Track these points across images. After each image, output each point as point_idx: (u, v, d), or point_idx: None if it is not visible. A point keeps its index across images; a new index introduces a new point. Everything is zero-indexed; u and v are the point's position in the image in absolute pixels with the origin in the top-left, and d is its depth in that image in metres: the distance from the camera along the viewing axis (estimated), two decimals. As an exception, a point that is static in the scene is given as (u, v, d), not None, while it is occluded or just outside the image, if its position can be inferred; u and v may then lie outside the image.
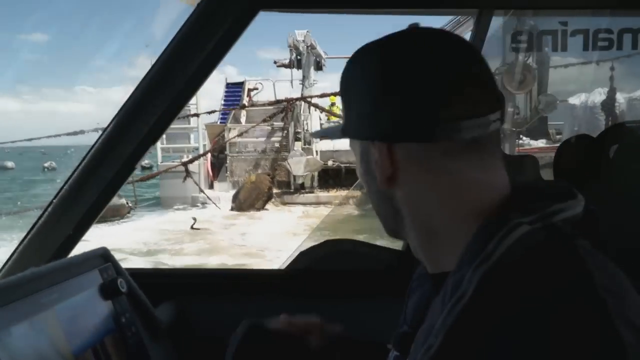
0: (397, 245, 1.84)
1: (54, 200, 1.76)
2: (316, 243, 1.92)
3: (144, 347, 1.55)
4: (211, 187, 18.60)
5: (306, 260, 1.89)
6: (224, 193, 17.73)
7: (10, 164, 45.39)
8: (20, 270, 1.73)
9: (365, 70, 0.85)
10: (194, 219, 15.03)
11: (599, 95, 10.62)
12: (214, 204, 16.19)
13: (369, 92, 0.83)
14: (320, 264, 1.90)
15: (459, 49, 0.83)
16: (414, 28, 0.89)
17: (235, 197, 17.44)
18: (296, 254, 1.90)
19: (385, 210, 0.89)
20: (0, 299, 1.15)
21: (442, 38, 0.84)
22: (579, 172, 1.76)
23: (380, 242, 1.85)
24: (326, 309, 1.81)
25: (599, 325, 0.63)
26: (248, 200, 17.17)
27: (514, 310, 0.65)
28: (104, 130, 1.69)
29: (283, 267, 1.91)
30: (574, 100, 10.82)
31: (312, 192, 18.18)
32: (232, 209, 17.22)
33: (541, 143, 11.39)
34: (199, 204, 17.98)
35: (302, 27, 18.91)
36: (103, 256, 1.57)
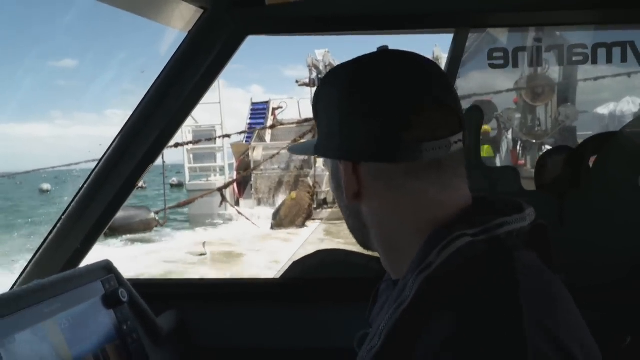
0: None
1: (62, 217, 1.88)
2: (308, 253, 2.01)
3: (145, 353, 1.64)
4: (237, 204, 18.78)
5: (299, 270, 1.96)
6: (248, 210, 17.86)
7: (46, 186, 46.44)
8: (31, 283, 1.87)
9: (334, 92, 0.88)
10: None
11: (627, 105, 10.44)
12: (253, 223, 16.19)
13: (336, 113, 0.87)
14: (313, 272, 1.98)
15: (424, 72, 0.86)
16: (382, 51, 0.93)
17: (275, 214, 17.53)
18: (289, 263, 1.98)
19: (354, 224, 0.95)
20: (5, 309, 1.25)
21: (408, 61, 0.87)
22: (560, 183, 1.82)
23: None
24: (319, 315, 1.90)
25: (509, 331, 0.68)
26: (289, 217, 17.25)
27: (443, 313, 0.71)
28: (105, 152, 1.81)
29: (277, 276, 2.00)
30: (603, 110, 10.65)
31: (335, 207, 18.21)
32: (272, 227, 17.31)
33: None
34: (220, 221, 18.30)
35: (322, 46, 19.20)
36: (106, 268, 1.67)
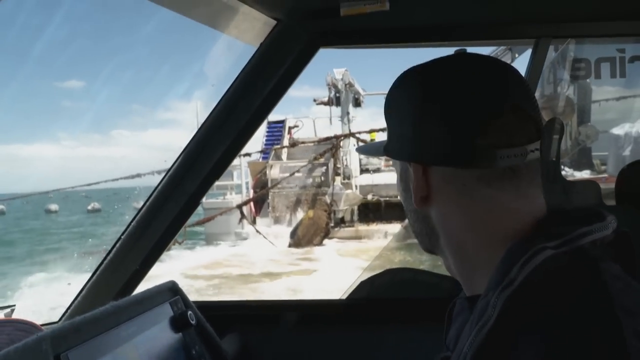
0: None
1: (122, 237, 1.82)
2: (376, 272, 1.94)
3: (213, 379, 1.58)
4: (254, 222, 18.77)
5: (367, 289, 1.89)
6: (265, 228, 17.82)
7: (54, 206, 47.08)
8: (90, 305, 1.81)
9: (407, 93, 0.87)
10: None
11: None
12: (270, 242, 16.18)
13: (409, 115, 0.85)
14: (381, 292, 1.91)
15: (502, 77, 0.83)
16: (460, 54, 0.90)
17: (293, 234, 17.50)
18: (357, 283, 1.91)
19: (421, 229, 0.91)
20: (86, 333, 1.19)
21: (486, 65, 0.85)
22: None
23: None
24: (387, 337, 1.82)
25: (610, 343, 0.64)
26: (307, 237, 17.24)
27: (533, 330, 0.67)
28: (169, 168, 1.76)
29: (344, 296, 1.93)
30: (618, 130, 10.55)
31: (352, 226, 18.20)
32: (290, 246, 17.24)
33: (585, 174, 11.04)
34: (238, 240, 18.27)
35: (334, 64, 19.43)
36: (172, 289, 1.62)
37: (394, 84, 0.91)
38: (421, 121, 0.83)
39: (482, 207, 0.82)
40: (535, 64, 1.64)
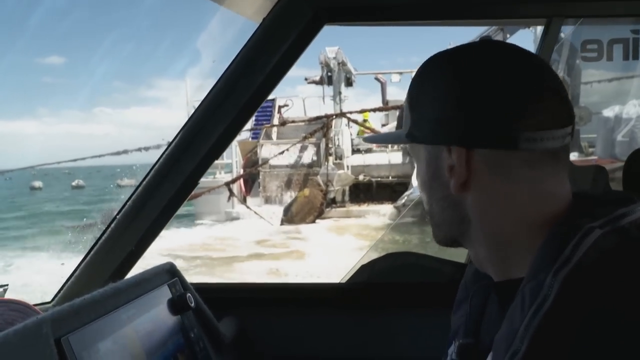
0: (460, 257, 1.82)
1: (117, 217, 1.78)
2: (378, 256, 1.91)
3: (211, 362, 1.55)
4: (244, 202, 18.71)
5: (367, 273, 1.87)
6: (256, 208, 17.76)
7: (38, 183, 47.06)
8: (84, 286, 1.77)
9: (444, 76, 0.86)
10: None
11: (633, 107, 10.33)
12: (267, 221, 16.16)
13: (447, 97, 0.83)
14: (382, 276, 1.88)
15: (537, 62, 0.85)
16: (487, 40, 0.90)
17: (287, 210, 17.44)
18: (357, 267, 1.88)
19: (451, 217, 0.89)
20: (86, 315, 1.16)
21: (518, 51, 0.86)
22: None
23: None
24: (387, 321, 1.80)
25: None
26: (300, 214, 17.19)
27: (600, 307, 0.67)
28: (167, 147, 1.71)
29: (344, 280, 1.90)
30: (608, 112, 10.55)
31: (344, 206, 18.18)
32: (282, 223, 17.18)
33: (573, 157, 11.09)
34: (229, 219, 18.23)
35: (326, 43, 19.26)
36: (170, 271, 1.58)
37: (422, 68, 0.90)
38: (464, 103, 0.82)
39: (527, 190, 0.82)
40: (547, 44, 1.60)
